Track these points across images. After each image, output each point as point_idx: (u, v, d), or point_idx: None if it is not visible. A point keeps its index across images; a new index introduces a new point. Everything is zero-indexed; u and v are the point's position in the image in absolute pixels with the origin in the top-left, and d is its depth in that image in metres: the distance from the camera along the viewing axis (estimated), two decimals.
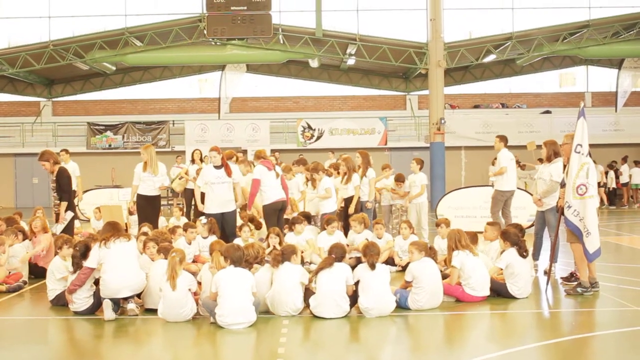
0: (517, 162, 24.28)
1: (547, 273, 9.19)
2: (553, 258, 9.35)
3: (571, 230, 8.43)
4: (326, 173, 11.94)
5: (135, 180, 11.71)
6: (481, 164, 26.07)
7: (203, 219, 10.65)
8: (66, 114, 29.45)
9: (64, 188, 10.12)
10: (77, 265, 7.99)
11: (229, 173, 10.83)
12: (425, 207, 12.90)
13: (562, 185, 8.79)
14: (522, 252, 8.43)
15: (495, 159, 13.39)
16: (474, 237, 9.07)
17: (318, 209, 12.05)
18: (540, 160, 23.73)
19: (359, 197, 12.07)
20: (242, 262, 7.42)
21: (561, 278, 9.42)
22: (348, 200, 11.99)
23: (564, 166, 9.06)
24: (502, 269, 8.41)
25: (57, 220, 10.46)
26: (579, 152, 8.33)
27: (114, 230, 7.92)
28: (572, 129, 9.30)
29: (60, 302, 8.16)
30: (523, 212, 14.68)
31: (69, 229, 10.34)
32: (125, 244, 7.85)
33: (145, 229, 10.61)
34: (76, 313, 7.83)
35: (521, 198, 15.25)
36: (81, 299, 7.80)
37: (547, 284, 8.96)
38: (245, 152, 23.73)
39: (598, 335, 6.93)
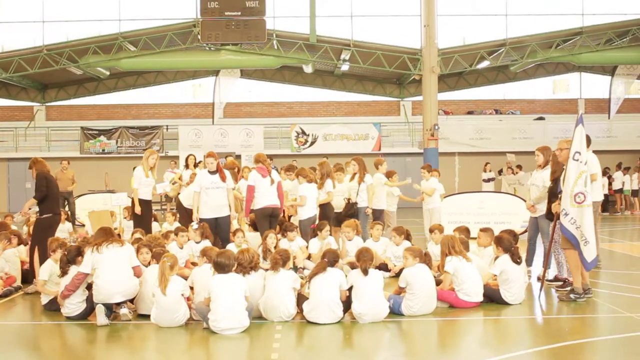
0: (510, 167, 24.50)
1: (541, 279, 9.18)
2: (547, 264, 9.34)
3: (566, 237, 8.42)
4: (307, 179, 11.77)
5: (136, 183, 11.74)
6: (475, 170, 26.12)
7: (194, 224, 10.66)
8: (60, 118, 29.36)
9: (38, 188, 10.13)
10: (63, 269, 7.98)
11: (223, 178, 10.90)
12: (438, 213, 12.84)
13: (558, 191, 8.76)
14: (516, 259, 8.43)
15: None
16: (464, 243, 9.04)
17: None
18: (519, 167, 23.93)
19: (355, 203, 12.07)
20: (229, 269, 7.39)
21: (547, 280, 9.30)
22: (323, 206, 11.83)
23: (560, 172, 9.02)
24: (496, 275, 8.41)
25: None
26: (577, 160, 8.29)
27: (106, 235, 7.91)
28: (566, 135, 9.28)
29: (53, 307, 8.12)
30: (516, 218, 14.70)
31: (48, 232, 10.11)
32: (118, 249, 7.83)
33: (138, 234, 10.61)
34: (68, 318, 7.79)
35: (514, 204, 15.31)
36: (74, 304, 7.76)
37: (541, 290, 8.96)
38: (239, 157, 23.71)
39: (591, 342, 6.93)
